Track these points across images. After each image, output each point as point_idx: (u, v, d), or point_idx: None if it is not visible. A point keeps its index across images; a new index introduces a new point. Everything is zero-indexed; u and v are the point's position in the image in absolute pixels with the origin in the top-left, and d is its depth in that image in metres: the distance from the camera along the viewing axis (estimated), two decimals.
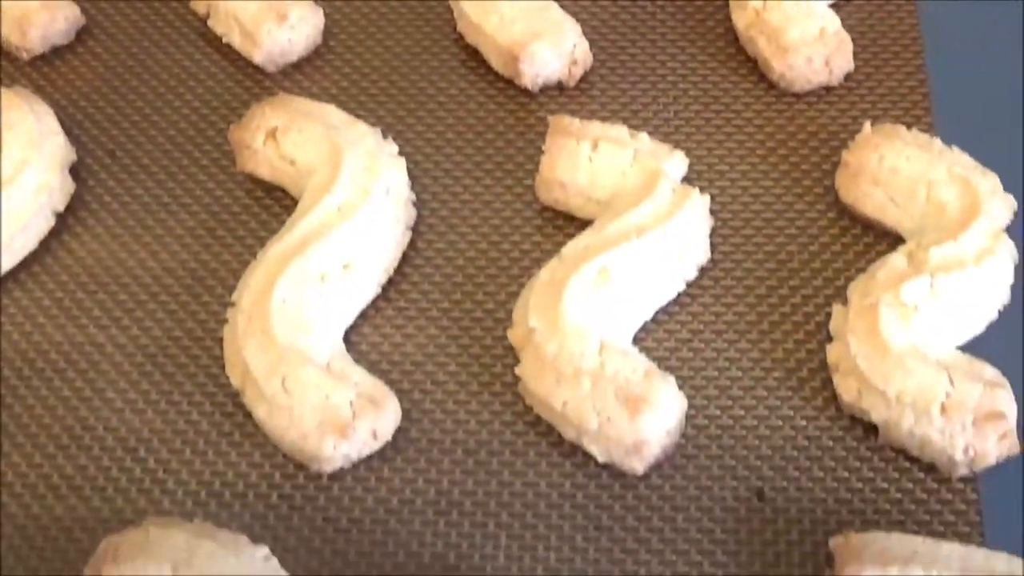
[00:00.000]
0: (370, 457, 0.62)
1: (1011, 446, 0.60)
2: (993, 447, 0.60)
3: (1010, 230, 0.65)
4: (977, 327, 0.64)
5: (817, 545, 0.59)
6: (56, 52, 0.79)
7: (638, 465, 0.61)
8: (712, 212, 0.69)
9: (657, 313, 0.66)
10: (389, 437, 0.62)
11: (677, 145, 0.70)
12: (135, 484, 0.63)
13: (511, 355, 0.65)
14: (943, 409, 0.60)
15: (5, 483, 0.63)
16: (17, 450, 0.64)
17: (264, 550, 0.57)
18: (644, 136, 0.69)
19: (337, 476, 0.62)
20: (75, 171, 0.74)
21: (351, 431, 0.61)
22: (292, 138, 0.71)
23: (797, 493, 0.61)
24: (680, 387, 0.62)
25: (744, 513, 0.61)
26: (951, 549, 0.56)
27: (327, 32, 0.78)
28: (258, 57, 0.77)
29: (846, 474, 0.61)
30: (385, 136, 0.72)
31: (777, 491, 0.61)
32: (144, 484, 0.63)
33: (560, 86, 0.75)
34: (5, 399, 0.66)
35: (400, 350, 0.66)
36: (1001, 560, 0.56)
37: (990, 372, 0.61)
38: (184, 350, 0.67)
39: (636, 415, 0.60)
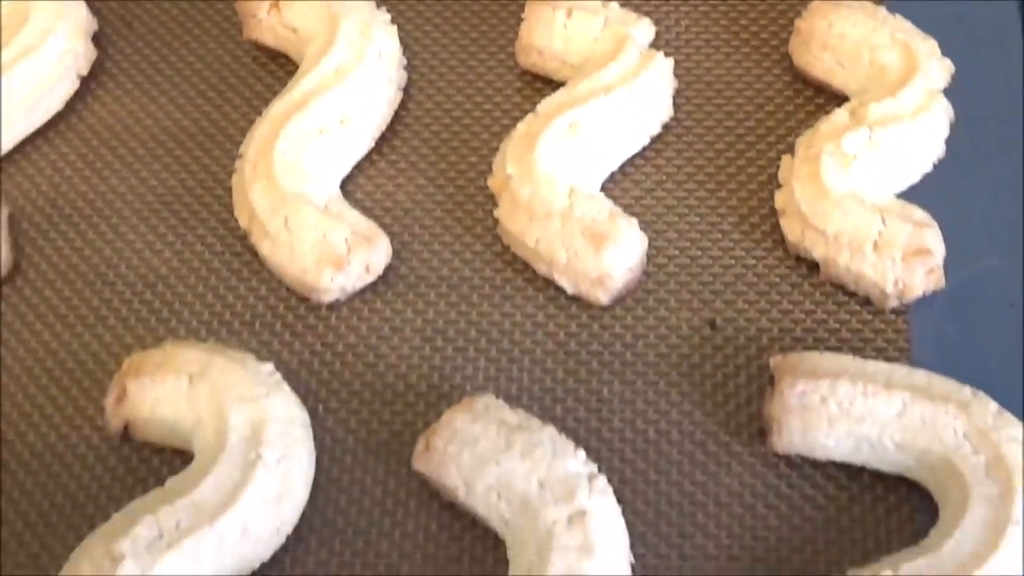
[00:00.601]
0: (363, 290, 0.68)
1: (937, 280, 0.66)
2: (920, 281, 0.65)
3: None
4: (912, 177, 0.69)
5: (762, 368, 0.65)
6: None
7: (603, 296, 0.67)
8: (676, 75, 0.74)
9: (623, 164, 0.72)
10: (380, 272, 0.68)
11: (645, 13, 0.75)
12: (154, 315, 0.69)
13: (491, 201, 0.71)
14: (875, 246, 0.65)
15: (39, 315, 0.69)
16: (49, 286, 0.70)
17: (269, 366, 0.64)
18: (614, 5, 0.74)
19: (334, 307, 0.68)
20: (97, 39, 0.79)
21: (346, 264, 0.67)
22: (294, 8, 0.76)
23: (745, 323, 0.67)
24: (643, 229, 0.68)
25: (698, 340, 0.67)
26: (877, 367, 0.62)
27: None
28: None
29: (790, 306, 0.67)
30: (379, 6, 0.77)
31: (728, 321, 0.67)
32: (162, 315, 0.69)
33: None
34: (37, 242, 0.72)
35: (391, 197, 0.72)
36: (920, 375, 0.62)
37: (920, 214, 0.67)
38: (197, 198, 0.73)
39: (600, 250, 0.66)
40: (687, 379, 0.65)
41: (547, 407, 0.64)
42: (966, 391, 0.61)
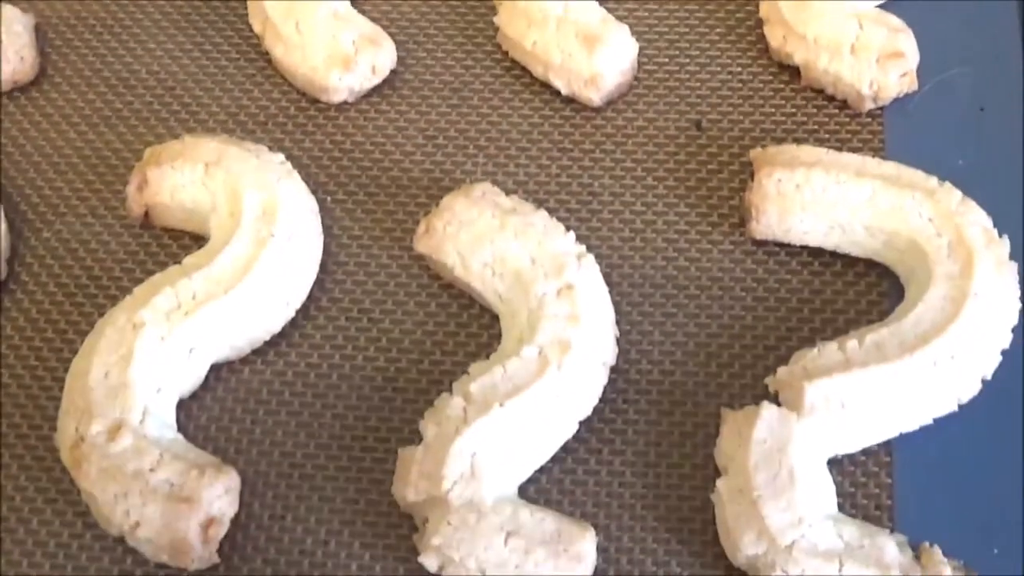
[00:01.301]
0: (370, 92, 0.71)
1: (910, 83, 0.68)
2: (895, 83, 0.68)
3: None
4: None
5: (744, 165, 0.68)
6: None
7: (595, 97, 0.70)
8: None
9: None
10: (386, 74, 0.71)
11: None
12: (172, 115, 0.72)
13: (491, 10, 0.73)
14: (853, 49, 0.68)
15: (64, 115, 0.73)
16: (73, 89, 0.73)
17: (280, 156, 0.67)
18: None
19: (342, 108, 0.71)
20: None
21: (354, 64, 0.70)
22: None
23: (729, 124, 0.70)
24: (634, 36, 0.70)
25: (684, 140, 0.69)
26: (850, 158, 0.65)
27: None
28: None
29: (772, 109, 0.70)
30: None
31: (713, 122, 0.70)
32: (180, 115, 0.72)
33: None
34: (62, 50, 0.75)
35: (397, 9, 0.75)
36: (890, 166, 0.65)
37: (896, 21, 0.69)
38: (213, 8, 0.76)
39: (593, 52, 0.68)
40: (673, 175, 0.68)
41: (540, 199, 0.68)
42: (932, 180, 0.64)
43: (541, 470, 0.60)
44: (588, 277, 0.62)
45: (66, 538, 0.61)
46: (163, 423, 0.61)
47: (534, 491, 0.60)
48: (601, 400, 0.61)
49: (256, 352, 0.64)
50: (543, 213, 0.64)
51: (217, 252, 0.63)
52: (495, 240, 0.63)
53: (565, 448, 0.61)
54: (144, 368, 0.61)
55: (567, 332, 0.60)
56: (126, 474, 0.58)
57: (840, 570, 0.55)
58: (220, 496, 0.59)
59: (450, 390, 0.60)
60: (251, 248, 0.63)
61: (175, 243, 0.68)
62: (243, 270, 0.63)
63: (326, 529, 0.60)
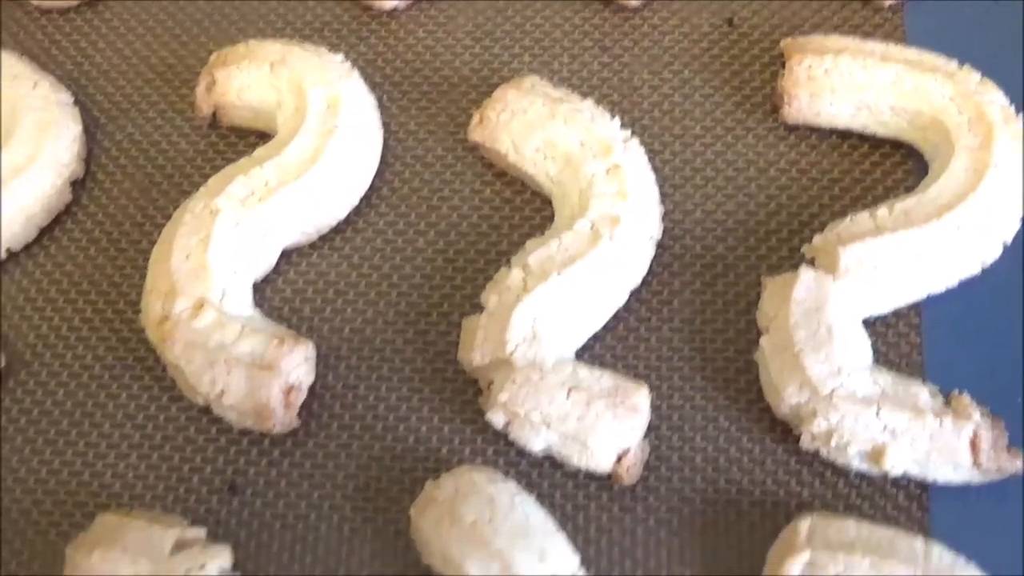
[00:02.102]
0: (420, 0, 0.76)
1: None
2: None
3: None
4: None
5: (774, 57, 0.72)
6: None
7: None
8: None
9: None
10: None
11: None
12: (233, 25, 0.76)
13: None
14: None
15: (130, 28, 0.76)
16: (146, 5, 0.77)
17: (340, 56, 0.71)
18: None
19: (394, 14, 0.75)
20: None
21: None
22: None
23: (759, 20, 0.74)
24: None
25: (717, 36, 0.73)
26: (875, 45, 0.69)
27: None
28: None
29: (799, 6, 0.74)
30: None
31: (743, 20, 0.74)
32: (239, 24, 0.76)
33: None
34: None
35: None
36: (913, 51, 0.68)
37: None
38: None
39: None
40: (708, 68, 0.72)
41: (584, 92, 0.71)
42: (953, 64, 0.68)
43: (595, 337, 0.64)
44: (633, 158, 0.66)
45: (153, 410, 0.65)
46: (241, 302, 0.65)
47: (588, 357, 0.64)
48: (649, 272, 0.65)
49: (324, 238, 0.68)
50: (589, 102, 0.68)
51: (285, 144, 0.67)
52: (546, 126, 0.67)
53: (616, 316, 0.65)
54: (221, 251, 0.65)
55: (616, 208, 0.64)
56: (210, 346, 0.62)
57: (877, 414, 0.59)
58: (299, 364, 0.63)
59: (507, 266, 0.64)
60: (318, 139, 0.67)
61: (241, 141, 0.72)
62: (311, 160, 0.66)
63: (396, 396, 0.64)
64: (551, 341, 0.62)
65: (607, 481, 0.61)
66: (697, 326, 0.65)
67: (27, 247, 0.69)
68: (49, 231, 0.70)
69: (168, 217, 0.68)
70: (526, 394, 0.60)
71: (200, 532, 0.59)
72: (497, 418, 0.61)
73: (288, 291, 0.67)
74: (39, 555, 0.62)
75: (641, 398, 0.61)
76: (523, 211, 0.69)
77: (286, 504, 0.62)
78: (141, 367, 0.66)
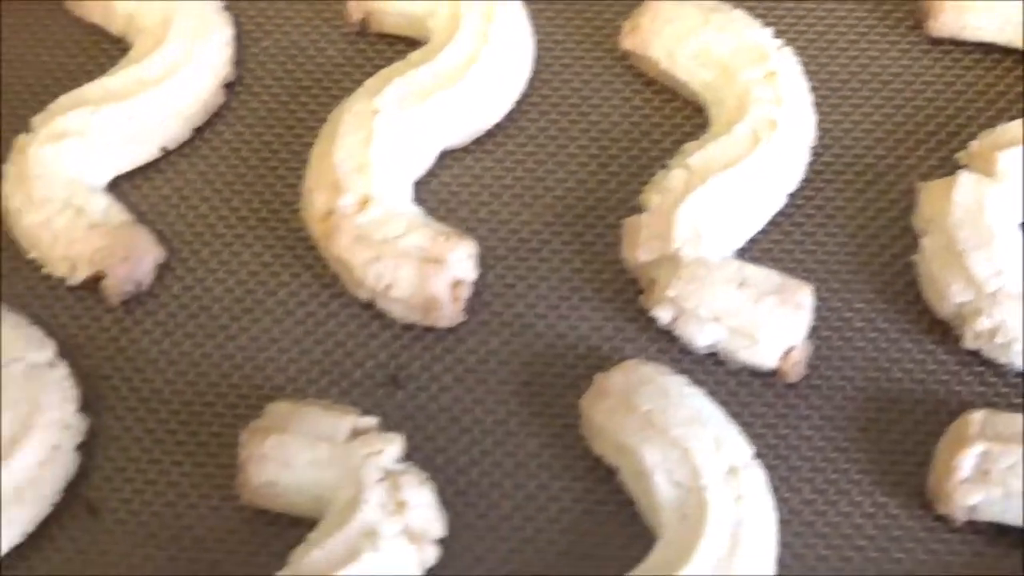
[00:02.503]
0: None
1: None
2: None
3: None
4: None
5: None
6: None
7: None
8: None
9: None
10: None
11: None
12: None
13: None
14: None
15: None
16: None
17: None
18: None
19: None
20: None
21: None
22: None
23: None
24: None
25: None
26: None
27: None
28: None
29: None
30: None
31: None
32: None
33: None
34: None
35: None
36: None
37: None
38: None
39: None
40: None
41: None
42: None
43: (752, 240, 0.65)
44: (788, 65, 0.67)
45: (314, 306, 0.65)
46: (402, 200, 0.65)
47: (747, 259, 0.64)
48: (804, 178, 0.66)
49: (478, 141, 0.69)
50: (741, 11, 0.69)
51: (440, 50, 0.67)
52: (699, 33, 0.67)
53: (773, 220, 0.65)
54: (383, 150, 0.65)
55: (773, 113, 0.65)
56: (376, 240, 0.63)
57: None
58: (463, 260, 0.63)
59: (665, 167, 0.65)
60: (472, 46, 0.67)
61: (389, 48, 0.72)
62: (467, 64, 0.67)
63: (556, 295, 0.65)
64: (713, 240, 0.62)
65: (770, 379, 0.62)
66: (851, 230, 0.65)
67: (181, 146, 0.70)
68: (202, 131, 0.70)
69: (319, 120, 0.69)
70: (694, 289, 0.61)
71: (373, 421, 0.60)
72: (664, 313, 0.62)
73: (444, 192, 0.68)
74: (206, 444, 0.62)
75: (806, 296, 0.61)
76: (673, 119, 0.69)
77: (451, 398, 0.63)
78: (300, 264, 0.66)
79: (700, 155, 0.64)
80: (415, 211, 0.65)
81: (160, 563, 0.60)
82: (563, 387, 0.62)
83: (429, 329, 0.64)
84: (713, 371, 0.62)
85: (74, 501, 0.61)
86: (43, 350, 0.63)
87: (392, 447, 0.59)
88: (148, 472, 0.62)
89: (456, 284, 0.63)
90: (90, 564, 0.60)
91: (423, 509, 0.58)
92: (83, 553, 0.60)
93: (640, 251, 0.63)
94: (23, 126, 0.69)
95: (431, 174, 0.68)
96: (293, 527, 0.60)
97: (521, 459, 0.61)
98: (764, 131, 0.64)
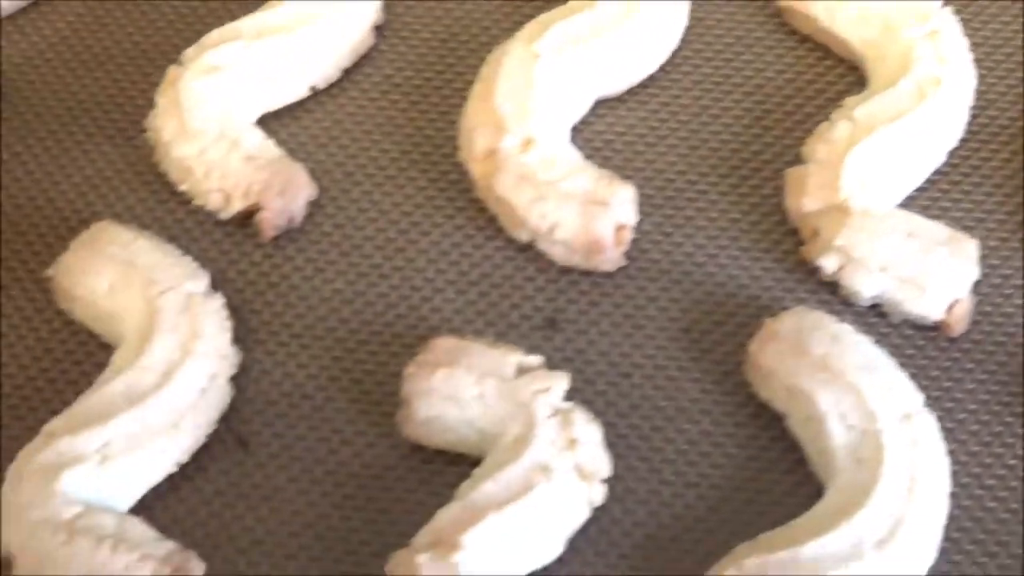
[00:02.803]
0: None
1: None
2: None
3: None
4: None
5: None
6: None
7: None
8: None
9: None
10: None
11: None
12: None
13: None
14: None
15: None
16: None
17: None
18: None
19: None
20: None
21: None
22: None
23: None
24: None
25: None
26: None
27: None
28: None
29: None
30: None
31: None
32: None
33: None
34: None
35: None
36: None
37: None
38: None
39: None
40: None
41: None
42: None
43: (910, 197, 0.64)
44: (949, 24, 0.67)
45: (468, 248, 0.65)
46: (563, 144, 0.65)
47: None
48: (963, 138, 0.66)
49: (632, 91, 0.68)
50: None
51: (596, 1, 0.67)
52: None
53: (931, 178, 0.65)
54: (543, 93, 0.64)
55: (937, 71, 0.64)
56: (540, 181, 0.62)
57: None
58: (627, 203, 0.62)
59: (828, 120, 0.65)
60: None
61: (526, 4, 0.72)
62: (625, 13, 0.67)
63: (714, 244, 0.64)
64: (878, 192, 0.62)
65: (933, 333, 0.61)
66: (1010, 189, 0.65)
67: (329, 87, 0.69)
68: (350, 73, 0.70)
69: (467, 65, 0.69)
70: (862, 238, 0.60)
71: (538, 359, 0.59)
72: (829, 263, 0.61)
73: (598, 141, 0.67)
74: (360, 381, 0.62)
75: (973, 248, 0.61)
76: (826, 76, 0.69)
77: (610, 343, 0.62)
78: (453, 206, 0.66)
79: (865, 108, 0.63)
80: (575, 155, 0.64)
81: (313, 498, 0.59)
82: (723, 335, 0.62)
83: (587, 274, 0.63)
84: (874, 324, 0.61)
85: (226, 434, 0.60)
86: (199, 279, 0.62)
87: (560, 384, 0.58)
88: (301, 407, 0.61)
89: (619, 228, 0.62)
90: (242, 498, 0.59)
91: (593, 447, 0.57)
92: (234, 486, 0.59)
93: (806, 200, 0.62)
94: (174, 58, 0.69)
95: (586, 122, 0.68)
96: (451, 465, 0.59)
97: (683, 405, 0.60)
98: (929, 87, 0.63)
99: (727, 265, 0.64)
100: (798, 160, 0.64)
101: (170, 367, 0.59)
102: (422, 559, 0.54)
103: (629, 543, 0.57)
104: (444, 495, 0.57)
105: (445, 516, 0.55)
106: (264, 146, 0.65)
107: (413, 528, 0.57)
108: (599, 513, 0.57)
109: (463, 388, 0.58)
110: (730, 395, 0.60)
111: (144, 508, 0.58)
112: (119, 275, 0.61)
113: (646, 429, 0.60)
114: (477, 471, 0.57)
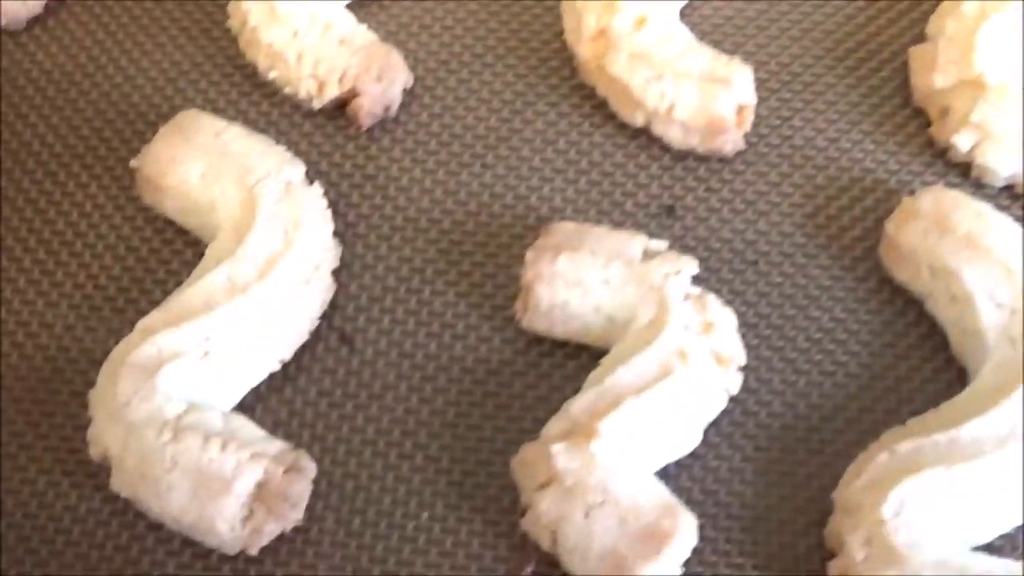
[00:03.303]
0: None
1: None
2: None
3: None
4: None
5: None
6: None
7: None
8: None
9: None
10: None
11: None
12: None
13: None
14: None
15: None
16: None
17: None
18: None
19: None
20: None
21: None
22: None
23: None
24: None
25: None
26: None
27: None
28: None
29: None
30: None
31: None
32: None
33: None
34: None
35: None
36: None
37: None
38: None
39: None
40: None
41: None
42: None
43: None
44: None
45: (576, 136, 0.61)
46: (675, 23, 0.61)
47: None
48: None
49: None
50: None
51: None
52: None
53: None
54: None
55: None
56: (657, 60, 0.58)
57: None
58: (746, 82, 0.59)
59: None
60: None
61: None
62: None
63: (835, 128, 0.61)
64: (1013, 66, 0.59)
65: None
66: None
67: None
68: None
69: None
70: (999, 113, 0.57)
71: (662, 244, 0.56)
72: (964, 140, 0.58)
73: (707, 24, 0.64)
74: (469, 274, 0.58)
75: None
76: None
77: (731, 230, 0.58)
78: (556, 92, 0.62)
79: None
80: (688, 34, 0.61)
81: (426, 395, 0.55)
82: (850, 219, 0.58)
83: (704, 159, 0.60)
84: (1007, 207, 0.58)
85: (329, 332, 0.57)
86: (297, 167, 0.58)
87: (689, 267, 0.55)
88: (407, 302, 0.57)
89: (741, 108, 0.58)
90: (348, 397, 0.55)
91: (729, 331, 0.54)
92: (340, 385, 0.56)
93: (936, 77, 0.59)
94: None
95: (693, 6, 0.64)
96: (570, 358, 0.56)
97: (812, 292, 0.57)
98: None
99: (849, 149, 0.60)
100: (920, 39, 0.61)
101: (272, 257, 0.55)
102: (557, 449, 0.50)
103: (765, 435, 0.54)
104: (565, 389, 0.54)
105: (578, 405, 0.52)
106: (357, 30, 0.61)
107: (534, 424, 0.53)
108: (732, 405, 0.54)
109: (589, 272, 0.54)
110: (862, 280, 0.57)
111: (245, 410, 0.55)
112: (211, 163, 0.57)
113: (775, 318, 0.56)
114: (607, 359, 0.53)
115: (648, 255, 0.55)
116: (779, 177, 0.59)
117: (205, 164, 0.57)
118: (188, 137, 0.58)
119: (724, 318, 0.54)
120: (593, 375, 0.53)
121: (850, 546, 0.49)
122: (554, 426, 0.52)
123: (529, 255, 0.55)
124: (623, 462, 0.50)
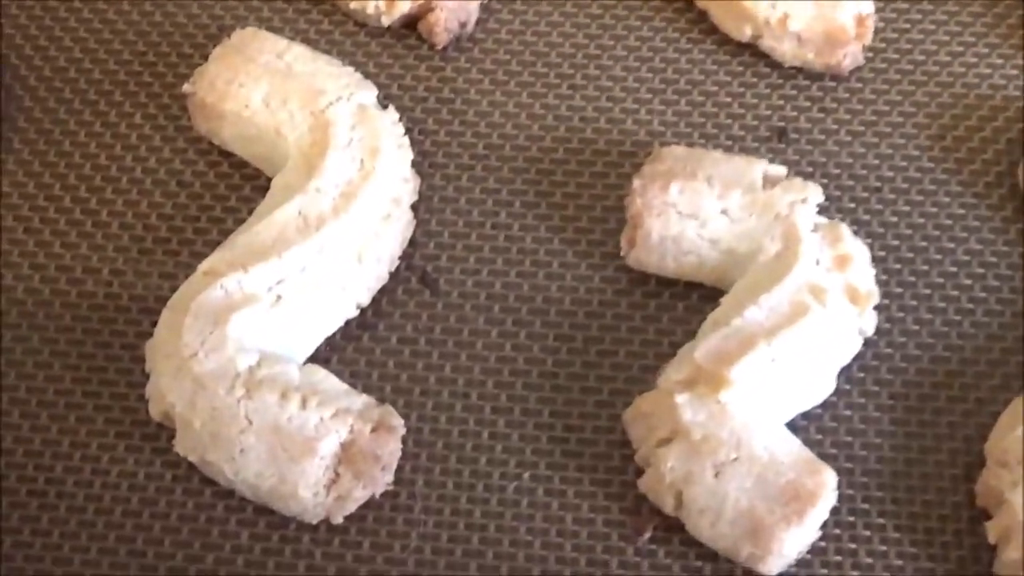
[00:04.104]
0: None
1: None
2: None
3: None
4: None
5: None
6: None
7: None
8: None
9: None
10: None
11: None
12: None
13: None
14: None
15: None
16: None
17: None
18: None
19: None
20: None
21: None
22: None
23: None
24: None
25: None
26: None
27: None
28: None
29: None
30: None
31: None
32: None
33: None
34: None
35: None
36: None
37: None
38: None
39: None
40: None
41: None
42: None
43: None
44: None
45: (673, 52, 0.54)
46: None
47: None
48: None
49: None
50: None
51: None
52: None
53: None
54: None
55: None
56: None
57: None
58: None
59: None
60: None
61: None
62: None
63: (960, 40, 0.54)
64: None
65: None
66: None
67: None
68: None
69: None
70: None
71: (782, 170, 0.49)
72: None
73: None
74: (563, 206, 0.51)
75: None
76: None
77: (850, 154, 0.52)
78: (650, 7, 0.55)
79: None
80: None
81: (521, 341, 0.49)
82: (981, 141, 0.52)
83: (816, 78, 0.53)
84: None
85: (408, 273, 0.50)
86: (369, 89, 0.51)
87: (816, 195, 0.48)
88: (494, 239, 0.51)
89: (861, 18, 0.52)
90: (434, 345, 0.49)
91: (864, 266, 0.47)
92: (424, 332, 0.49)
93: None
94: None
95: None
96: (678, 299, 0.49)
97: (943, 221, 0.51)
98: None
99: (976, 64, 0.54)
100: None
101: (349, 190, 0.48)
102: (681, 400, 0.44)
103: (900, 381, 0.48)
104: (676, 332, 0.48)
105: (701, 350, 0.45)
106: None
107: (642, 372, 0.47)
108: (864, 348, 0.47)
109: (705, 202, 0.47)
110: (997, 207, 0.51)
111: (319, 362, 0.48)
112: (275, 86, 0.50)
113: (904, 251, 0.50)
114: (727, 298, 0.47)
115: (768, 181, 0.48)
116: (900, 95, 0.53)
117: (268, 87, 0.50)
118: (249, 57, 0.51)
119: (859, 251, 0.47)
120: (714, 316, 0.46)
121: (1012, 504, 0.43)
122: (674, 374, 0.45)
123: (636, 183, 0.48)
124: (756, 413, 0.44)
